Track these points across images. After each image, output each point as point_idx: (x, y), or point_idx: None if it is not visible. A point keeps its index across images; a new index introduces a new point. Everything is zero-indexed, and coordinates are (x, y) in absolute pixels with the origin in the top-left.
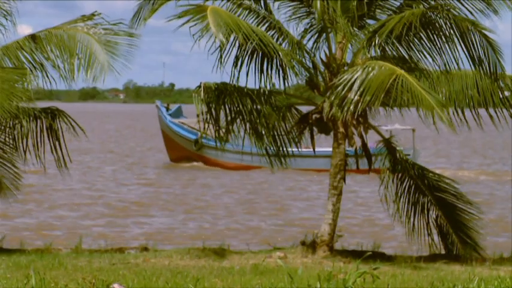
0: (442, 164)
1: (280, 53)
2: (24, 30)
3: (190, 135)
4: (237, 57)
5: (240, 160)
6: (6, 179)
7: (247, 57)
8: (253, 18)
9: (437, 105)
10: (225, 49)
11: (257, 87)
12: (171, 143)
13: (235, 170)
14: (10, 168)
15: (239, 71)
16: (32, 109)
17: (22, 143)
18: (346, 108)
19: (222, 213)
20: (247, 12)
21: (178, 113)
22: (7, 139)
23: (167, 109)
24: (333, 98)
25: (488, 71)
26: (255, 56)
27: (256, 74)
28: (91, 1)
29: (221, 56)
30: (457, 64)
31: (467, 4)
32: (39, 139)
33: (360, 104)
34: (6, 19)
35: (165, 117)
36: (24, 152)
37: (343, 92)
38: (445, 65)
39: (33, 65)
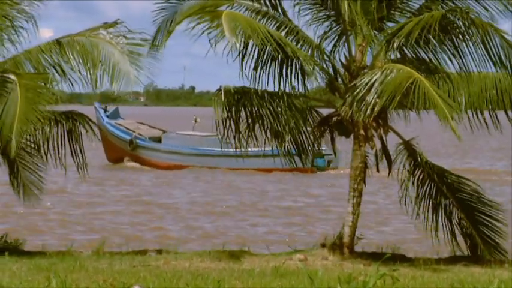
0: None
1: (299, 57)
2: (45, 33)
3: (126, 136)
4: (256, 61)
5: (172, 160)
6: (30, 183)
7: (266, 61)
8: (272, 24)
9: (450, 113)
10: (243, 53)
11: (277, 90)
12: (108, 144)
13: (167, 170)
14: (34, 171)
15: (259, 75)
16: (53, 113)
17: (43, 146)
18: (363, 110)
19: (239, 215)
20: (265, 19)
21: (115, 115)
22: (29, 142)
23: (105, 111)
24: (350, 100)
25: (510, 74)
26: (274, 59)
27: (276, 77)
28: (109, 1)
29: (242, 60)
30: (477, 66)
31: (488, 5)
32: (60, 143)
33: (376, 106)
34: (27, 22)
35: (103, 119)
36: (46, 156)
37: (361, 94)
38: (462, 67)
39: (55, 69)
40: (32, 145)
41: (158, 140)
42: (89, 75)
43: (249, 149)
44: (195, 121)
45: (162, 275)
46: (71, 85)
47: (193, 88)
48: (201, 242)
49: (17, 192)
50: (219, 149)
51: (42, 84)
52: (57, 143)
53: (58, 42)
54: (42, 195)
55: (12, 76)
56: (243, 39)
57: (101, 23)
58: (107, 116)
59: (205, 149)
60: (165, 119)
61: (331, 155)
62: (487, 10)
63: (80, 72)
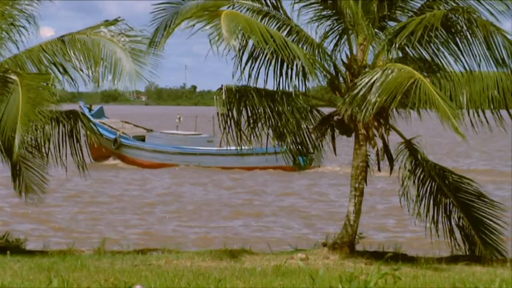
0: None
1: (300, 56)
2: (47, 33)
3: (110, 135)
4: (256, 61)
5: (156, 158)
6: (32, 183)
7: (266, 60)
8: (273, 24)
9: (452, 113)
10: (243, 53)
11: (278, 89)
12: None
13: (150, 168)
14: (37, 171)
15: (259, 74)
16: (54, 112)
17: (44, 146)
18: (364, 110)
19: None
20: (266, 19)
21: (100, 114)
22: (31, 142)
23: (90, 110)
24: (351, 99)
25: None
26: (274, 58)
27: (277, 76)
28: (112, 1)
29: (240, 60)
30: (479, 66)
31: (488, 5)
32: (61, 142)
33: (376, 105)
34: (29, 22)
35: None
36: (47, 156)
37: (362, 93)
38: (464, 67)
39: (57, 68)
40: (34, 144)
41: (142, 139)
42: (90, 73)
43: (231, 148)
44: (179, 120)
45: (163, 275)
46: (72, 84)
47: (194, 87)
48: (202, 242)
49: (18, 191)
50: (203, 148)
51: (44, 84)
52: (59, 143)
53: (59, 40)
54: (43, 195)
55: (13, 76)
56: (242, 39)
57: (102, 21)
58: (92, 115)
59: (189, 147)
60: (165, 118)
61: (312, 153)
62: (490, 12)
63: (81, 70)
